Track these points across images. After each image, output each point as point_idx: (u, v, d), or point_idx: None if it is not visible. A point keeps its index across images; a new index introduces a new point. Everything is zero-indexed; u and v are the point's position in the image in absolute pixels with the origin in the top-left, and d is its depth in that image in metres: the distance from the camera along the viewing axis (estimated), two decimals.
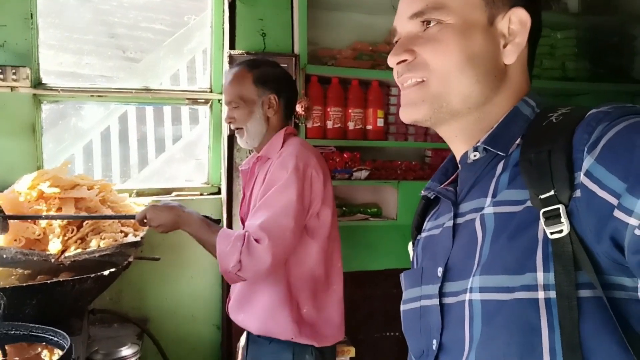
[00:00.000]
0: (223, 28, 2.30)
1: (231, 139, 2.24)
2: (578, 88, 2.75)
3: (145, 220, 1.51)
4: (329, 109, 2.34)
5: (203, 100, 2.44)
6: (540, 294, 0.54)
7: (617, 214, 0.50)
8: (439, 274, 0.68)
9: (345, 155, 2.37)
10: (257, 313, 1.51)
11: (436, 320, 0.67)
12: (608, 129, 0.53)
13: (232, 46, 2.22)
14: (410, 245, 0.86)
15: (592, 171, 0.53)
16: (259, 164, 1.61)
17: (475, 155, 0.68)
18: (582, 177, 0.54)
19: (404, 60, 0.68)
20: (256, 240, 1.40)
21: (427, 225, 0.80)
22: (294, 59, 2.22)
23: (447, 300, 0.66)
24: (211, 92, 2.42)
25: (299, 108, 2.20)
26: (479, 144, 0.67)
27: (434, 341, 0.68)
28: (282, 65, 2.16)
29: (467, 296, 0.61)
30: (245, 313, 1.55)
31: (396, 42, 0.71)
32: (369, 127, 2.41)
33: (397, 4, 0.72)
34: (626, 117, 0.53)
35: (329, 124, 2.35)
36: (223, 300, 2.34)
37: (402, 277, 0.82)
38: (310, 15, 2.28)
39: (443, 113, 0.67)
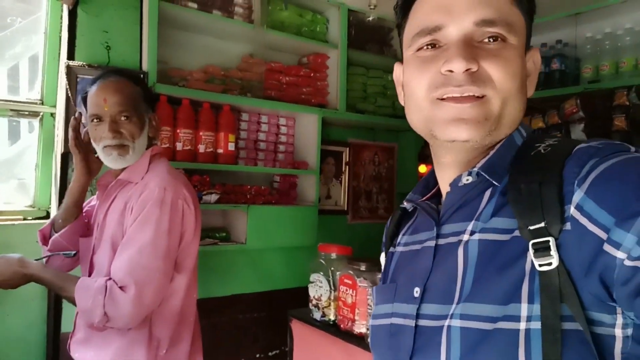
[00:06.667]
0: (60, 36, 2.10)
1: (65, 157, 2.02)
2: (405, 125, 3.12)
3: None
4: (178, 131, 2.27)
5: (29, 113, 2.17)
6: (522, 325, 0.54)
7: (606, 247, 0.50)
8: (416, 294, 0.66)
9: (194, 178, 2.31)
10: (110, 351, 1.36)
11: (408, 342, 0.65)
12: (598, 163, 0.54)
13: (70, 56, 2.02)
14: (382, 255, 0.83)
15: (583, 205, 0.53)
16: (117, 185, 1.46)
17: (467, 180, 0.66)
18: (572, 210, 0.54)
19: (468, 69, 0.61)
20: (122, 288, 1.28)
21: (402, 239, 0.77)
22: (141, 76, 2.12)
23: (423, 322, 0.64)
24: (42, 104, 2.17)
25: None
26: (475, 169, 0.65)
27: None
28: None
29: (447, 322, 0.60)
30: (95, 350, 1.38)
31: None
32: (220, 150, 2.40)
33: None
34: (616, 153, 0.54)
35: (179, 146, 2.28)
36: (49, 343, 2.05)
37: (374, 291, 0.79)
38: (160, 33, 2.21)
39: (490, 137, 0.63)
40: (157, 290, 1.34)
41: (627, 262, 0.48)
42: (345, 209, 3.09)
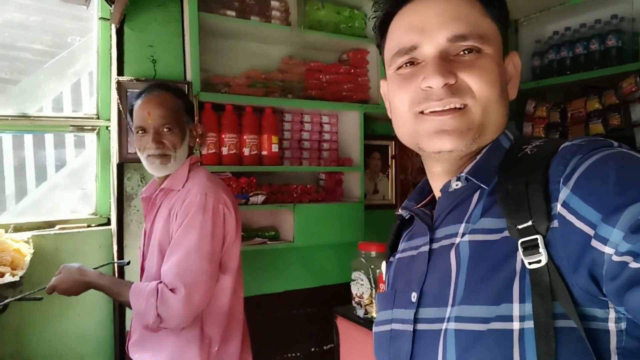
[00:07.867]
0: (110, 53, 2.24)
1: (121, 167, 2.17)
2: None
3: (54, 289, 1.47)
4: (223, 136, 2.36)
5: (89, 127, 2.34)
6: (515, 325, 0.54)
7: (594, 243, 0.50)
8: (414, 299, 0.67)
9: (241, 180, 2.40)
10: (166, 351, 1.46)
11: (407, 346, 0.66)
12: (582, 161, 0.54)
13: (120, 72, 2.16)
14: (383, 264, 0.86)
15: (569, 202, 0.53)
16: (161, 194, 1.55)
17: (457, 185, 0.68)
18: (559, 208, 0.54)
19: (446, 83, 0.63)
20: (172, 290, 1.37)
21: (401, 246, 0.79)
22: (186, 86, 2.22)
23: (421, 326, 0.65)
24: (98, 118, 2.33)
25: None
26: (462, 174, 0.66)
27: None
28: None
29: (444, 325, 0.61)
30: (151, 352, 1.48)
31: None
32: (264, 152, 2.46)
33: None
34: (598, 149, 0.55)
35: (224, 150, 2.36)
36: (116, 339, 2.22)
37: (377, 298, 0.81)
38: (202, 43, 2.30)
39: (475, 144, 0.65)
40: (205, 290, 1.41)
41: (615, 258, 0.48)
42: (394, 202, 3.07)
